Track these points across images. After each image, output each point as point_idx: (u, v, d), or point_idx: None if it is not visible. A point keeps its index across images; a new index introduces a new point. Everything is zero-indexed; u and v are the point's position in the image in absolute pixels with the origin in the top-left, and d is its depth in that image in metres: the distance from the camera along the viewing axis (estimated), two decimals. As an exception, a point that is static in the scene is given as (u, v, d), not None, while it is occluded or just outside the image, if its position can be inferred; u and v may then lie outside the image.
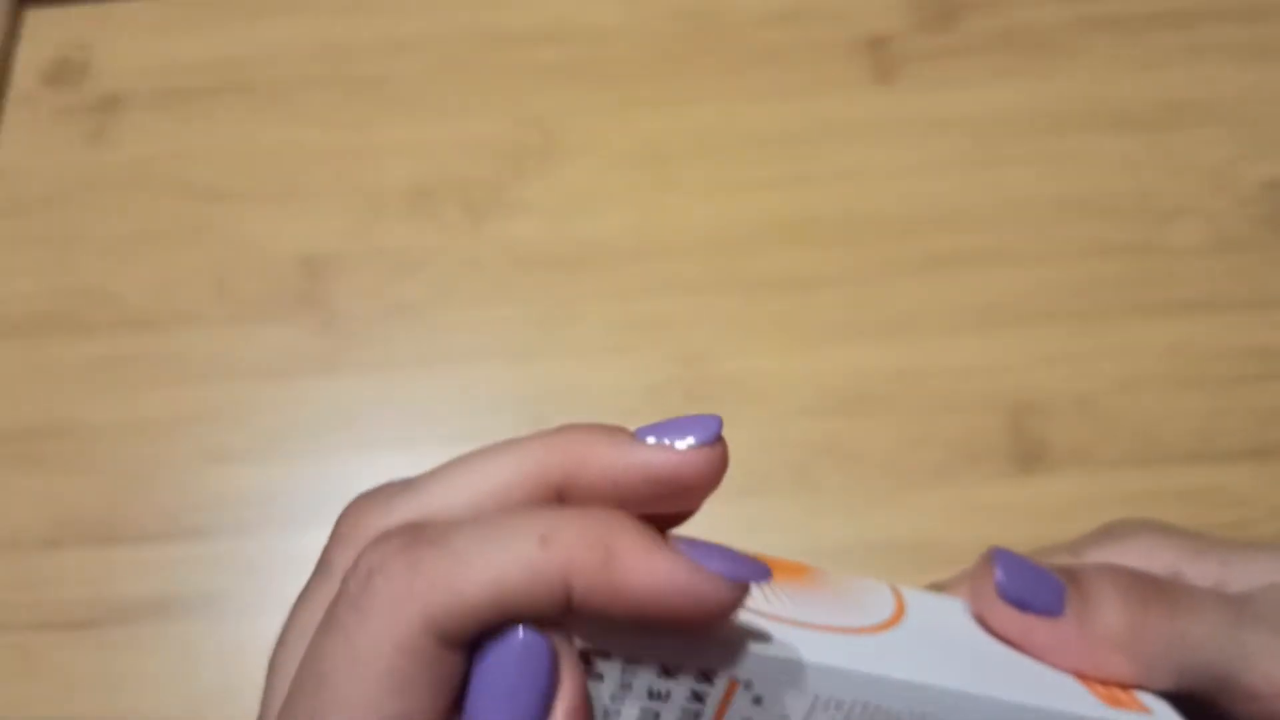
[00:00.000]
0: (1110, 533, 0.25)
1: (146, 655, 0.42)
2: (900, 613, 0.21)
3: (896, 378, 0.45)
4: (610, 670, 0.17)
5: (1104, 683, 0.21)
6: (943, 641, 0.20)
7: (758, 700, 0.18)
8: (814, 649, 0.18)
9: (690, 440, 0.18)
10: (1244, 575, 0.22)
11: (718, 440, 0.18)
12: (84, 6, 0.55)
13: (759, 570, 0.17)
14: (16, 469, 0.45)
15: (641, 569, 0.16)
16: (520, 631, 0.16)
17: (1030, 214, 0.48)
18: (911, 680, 0.18)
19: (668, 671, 0.17)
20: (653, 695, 0.17)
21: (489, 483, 0.18)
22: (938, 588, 0.24)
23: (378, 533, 0.18)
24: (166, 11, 0.55)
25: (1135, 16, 0.51)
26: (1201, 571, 0.23)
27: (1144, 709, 0.20)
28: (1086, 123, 0.49)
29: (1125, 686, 0.21)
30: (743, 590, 0.17)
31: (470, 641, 0.16)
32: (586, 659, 0.17)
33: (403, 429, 0.45)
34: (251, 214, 0.50)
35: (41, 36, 0.55)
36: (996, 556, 0.22)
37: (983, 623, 0.22)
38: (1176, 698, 0.21)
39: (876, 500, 0.43)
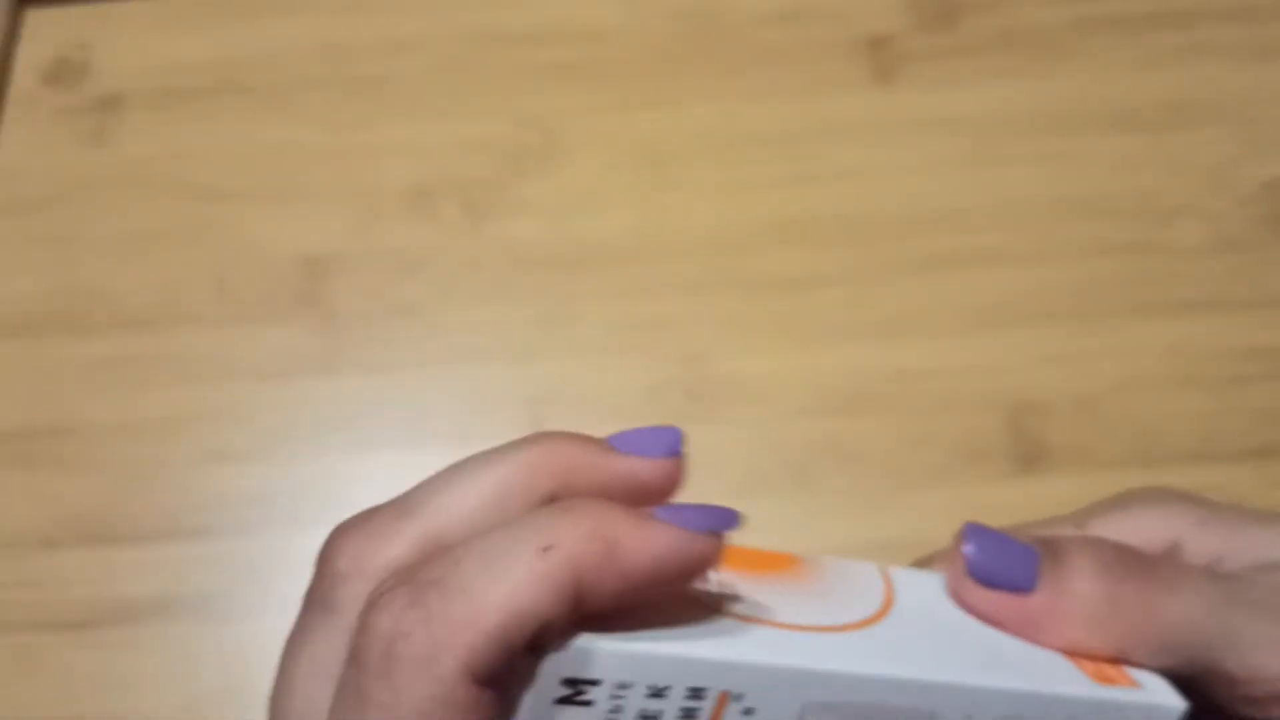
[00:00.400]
0: (1119, 501, 0.24)
1: (146, 655, 0.42)
2: (889, 601, 0.21)
3: (896, 378, 0.45)
4: (600, 696, 0.17)
5: (1091, 658, 0.21)
6: (931, 629, 0.20)
7: (749, 711, 0.18)
8: (801, 653, 0.18)
9: (662, 450, 0.19)
10: (1250, 550, 0.22)
11: (681, 453, 0.20)
12: (84, 6, 0.55)
13: (731, 516, 0.18)
14: (16, 469, 0.45)
15: (642, 549, 0.17)
16: None
17: (1030, 214, 0.48)
18: (898, 676, 0.19)
19: (657, 692, 0.17)
20: (644, 718, 0.17)
21: (482, 497, 0.18)
22: (924, 563, 0.23)
23: (385, 563, 0.17)
24: (166, 11, 0.55)
25: (1135, 16, 0.51)
26: (1206, 543, 0.22)
27: (1133, 684, 0.20)
28: (1086, 123, 0.49)
29: (1113, 662, 0.21)
30: (723, 539, 0.18)
31: (506, 671, 0.16)
32: (575, 686, 0.17)
33: (403, 429, 0.45)
34: (251, 214, 0.50)
35: (41, 36, 0.55)
36: (968, 533, 0.21)
37: (958, 601, 0.21)
38: (1171, 676, 0.21)
39: (876, 500, 0.43)
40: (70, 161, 0.52)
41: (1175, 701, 0.20)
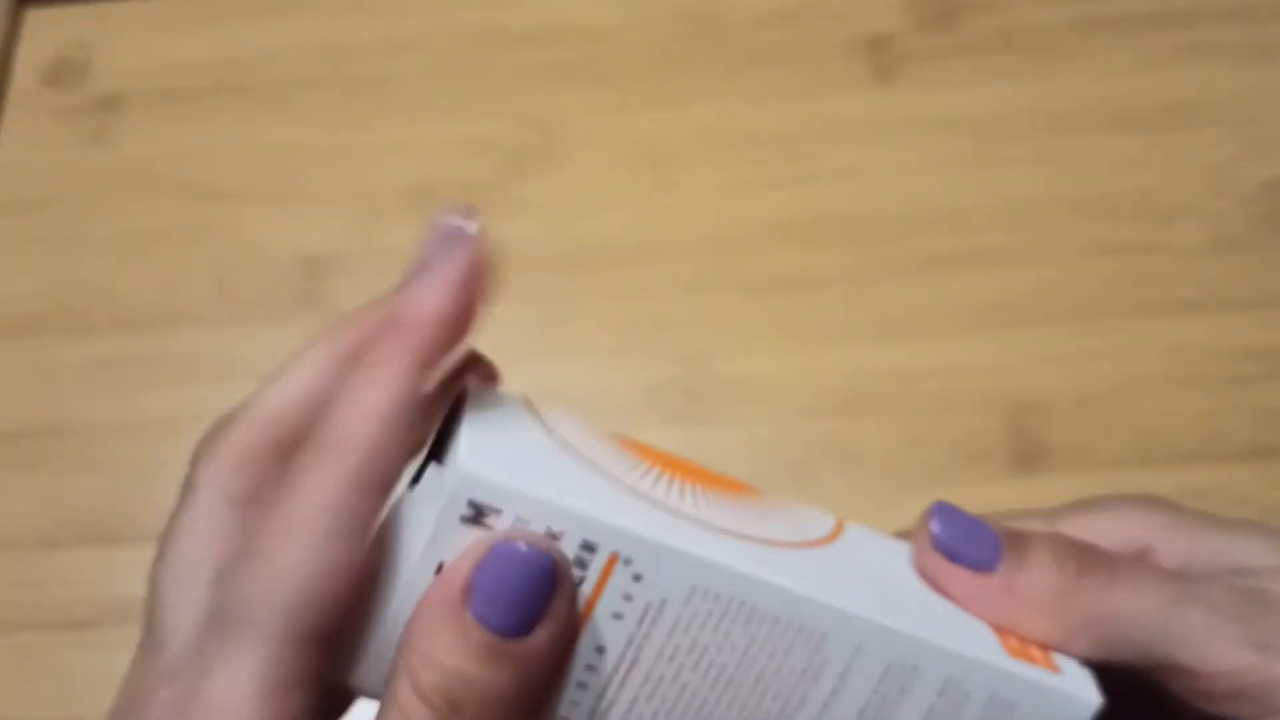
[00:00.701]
0: (1092, 503, 0.25)
1: (146, 655, 0.42)
2: (830, 539, 0.22)
3: (896, 378, 0.45)
4: (501, 526, 0.19)
5: (1020, 639, 0.21)
6: (858, 570, 0.21)
7: (637, 577, 0.19)
8: (698, 543, 0.19)
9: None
10: (1217, 555, 0.22)
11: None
12: (84, 6, 0.55)
13: (468, 214, 0.20)
14: (16, 469, 0.45)
15: (424, 298, 0.20)
16: (523, 546, 0.18)
17: (1030, 214, 0.48)
18: (787, 588, 0.19)
19: (553, 536, 0.19)
20: None
21: (301, 373, 0.21)
22: (905, 535, 0.24)
23: (232, 443, 0.21)
24: (166, 11, 0.55)
25: (1135, 16, 0.51)
26: (1175, 548, 0.23)
27: (1053, 668, 0.20)
28: (1086, 123, 0.49)
29: (1045, 647, 0.21)
30: (473, 230, 0.20)
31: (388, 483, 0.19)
32: (481, 511, 0.18)
33: (403, 429, 0.45)
34: (251, 214, 0.50)
35: (42, 36, 0.55)
36: (936, 509, 0.22)
37: (920, 570, 0.22)
38: (1112, 671, 0.21)
39: (876, 500, 0.43)
40: (70, 161, 0.52)
41: (1091, 695, 0.20)
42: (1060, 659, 0.21)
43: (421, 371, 0.19)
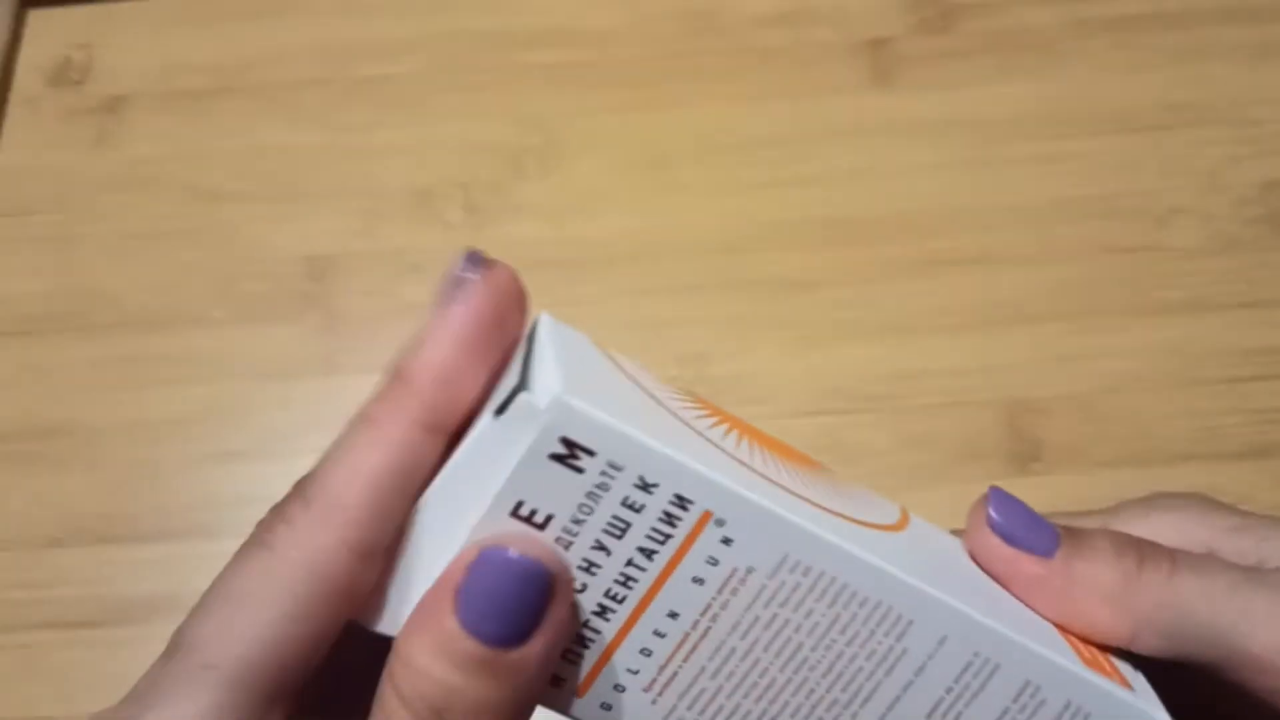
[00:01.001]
0: (1147, 502, 0.24)
1: (146, 655, 0.42)
2: (901, 525, 0.21)
3: (896, 378, 0.45)
4: (591, 468, 0.17)
5: (1087, 643, 0.20)
6: (934, 558, 0.20)
7: (727, 541, 0.18)
8: (797, 511, 0.18)
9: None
10: None
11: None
12: (87, 7, 0.55)
13: (475, 261, 0.19)
14: (17, 469, 0.45)
15: (422, 364, 0.18)
16: (514, 553, 0.17)
17: (1029, 214, 0.48)
18: (886, 569, 0.18)
19: (645, 486, 0.17)
20: (626, 504, 0.17)
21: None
22: (958, 534, 0.23)
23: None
24: (168, 12, 0.55)
25: (1135, 17, 0.51)
26: (1239, 550, 0.22)
27: (1125, 683, 0.19)
28: (1086, 123, 0.49)
29: (1107, 651, 0.20)
30: (481, 285, 0.19)
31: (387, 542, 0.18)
32: (573, 451, 0.17)
33: (403, 429, 0.45)
34: (253, 215, 0.50)
35: (44, 37, 0.55)
36: (992, 494, 0.21)
37: (973, 558, 0.21)
38: (1170, 670, 0.20)
39: (876, 500, 0.43)
40: (73, 162, 0.52)
41: (1164, 715, 0.19)
42: (1130, 674, 0.20)
43: (423, 431, 0.18)
